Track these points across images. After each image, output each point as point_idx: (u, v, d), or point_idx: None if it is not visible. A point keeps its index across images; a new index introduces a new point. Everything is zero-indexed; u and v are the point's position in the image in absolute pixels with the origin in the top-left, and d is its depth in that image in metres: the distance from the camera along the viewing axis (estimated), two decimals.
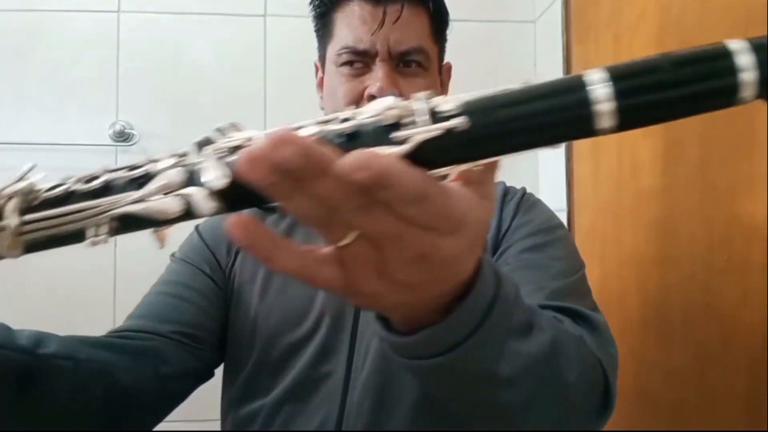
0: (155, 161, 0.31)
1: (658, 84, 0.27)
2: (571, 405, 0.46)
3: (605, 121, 0.26)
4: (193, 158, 0.30)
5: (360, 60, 0.67)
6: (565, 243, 0.68)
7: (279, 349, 0.66)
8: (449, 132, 0.26)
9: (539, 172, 1.38)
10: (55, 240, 0.30)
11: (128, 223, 0.29)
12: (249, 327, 0.68)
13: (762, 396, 0.67)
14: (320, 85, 0.76)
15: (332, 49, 0.70)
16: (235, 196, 0.28)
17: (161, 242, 0.30)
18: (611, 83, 0.26)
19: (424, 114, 0.27)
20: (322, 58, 0.74)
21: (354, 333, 0.66)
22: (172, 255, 0.73)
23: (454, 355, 0.34)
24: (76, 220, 0.29)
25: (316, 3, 0.73)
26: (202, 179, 0.28)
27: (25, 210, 0.30)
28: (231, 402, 0.70)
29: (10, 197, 0.30)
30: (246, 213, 0.27)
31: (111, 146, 1.35)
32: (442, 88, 0.75)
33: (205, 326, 0.66)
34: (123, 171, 0.31)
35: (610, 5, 1.10)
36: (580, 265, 0.65)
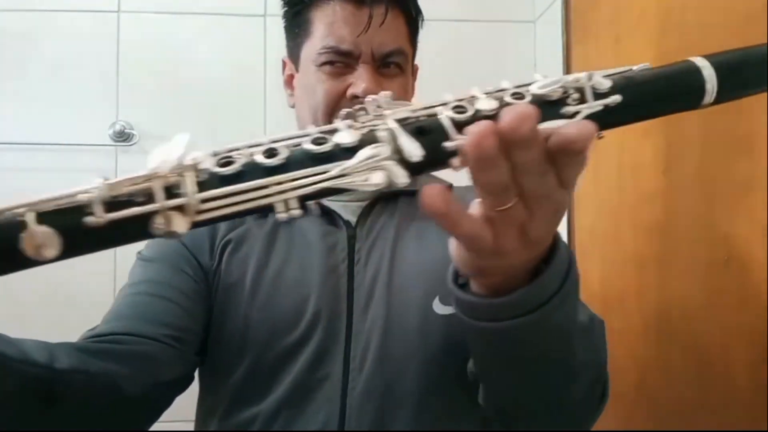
0: (328, 134, 0.31)
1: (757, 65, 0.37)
2: (598, 378, 0.52)
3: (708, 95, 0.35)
4: (345, 136, 0.31)
5: (342, 60, 0.67)
6: None
7: (274, 353, 0.65)
8: (605, 106, 0.33)
9: None
10: (233, 215, 0.29)
11: (317, 196, 0.30)
12: (239, 331, 0.65)
13: (762, 396, 0.67)
14: (290, 82, 0.76)
15: (310, 48, 0.69)
16: (417, 167, 0.30)
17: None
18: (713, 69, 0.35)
19: (589, 91, 0.33)
20: (295, 55, 0.73)
21: (349, 335, 0.65)
22: (139, 253, 0.70)
23: (546, 309, 0.38)
24: (262, 196, 0.29)
25: (291, 0, 0.72)
26: (405, 153, 0.30)
27: (199, 185, 0.28)
28: (213, 410, 0.67)
29: (181, 173, 0.28)
30: (437, 185, 0.31)
31: (111, 146, 1.35)
32: (411, 89, 0.76)
33: (190, 328, 0.63)
34: (294, 141, 0.31)
35: (610, 5, 1.10)
36: None
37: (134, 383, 0.53)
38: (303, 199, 0.29)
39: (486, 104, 0.32)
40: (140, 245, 0.71)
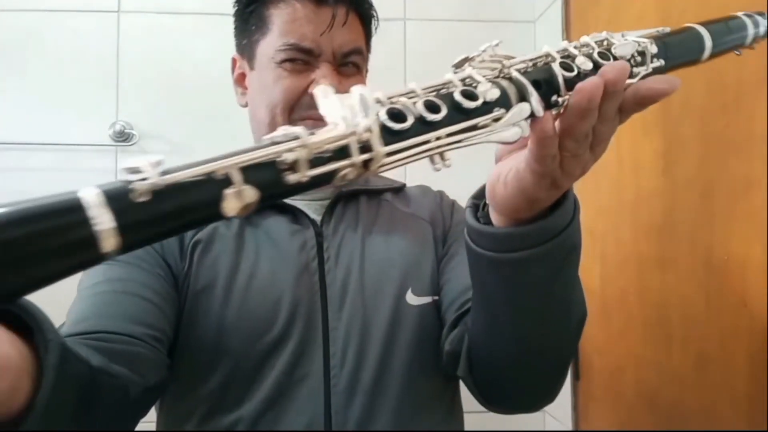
0: (472, 87, 0.34)
1: None
2: (581, 320, 0.55)
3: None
4: (489, 91, 0.33)
5: (302, 58, 0.67)
6: None
7: (252, 356, 0.63)
8: (653, 69, 0.41)
9: None
10: (401, 165, 0.31)
11: (461, 146, 0.32)
12: (213, 336, 0.64)
13: (762, 396, 0.67)
14: (241, 81, 0.75)
15: (268, 45, 0.68)
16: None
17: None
18: None
19: (649, 55, 0.41)
20: (248, 52, 0.71)
21: (326, 333, 0.65)
22: None
23: (568, 232, 0.45)
24: (426, 150, 0.31)
25: None
26: (534, 109, 0.34)
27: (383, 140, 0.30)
28: (187, 416, 0.65)
29: (368, 129, 0.29)
30: (588, 80, 0.36)
31: (111, 146, 1.34)
32: None
33: (165, 331, 0.61)
34: (443, 91, 0.33)
35: (609, 6, 1.10)
36: None
37: (136, 386, 0.51)
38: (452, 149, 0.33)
39: (584, 64, 0.38)
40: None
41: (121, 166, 0.25)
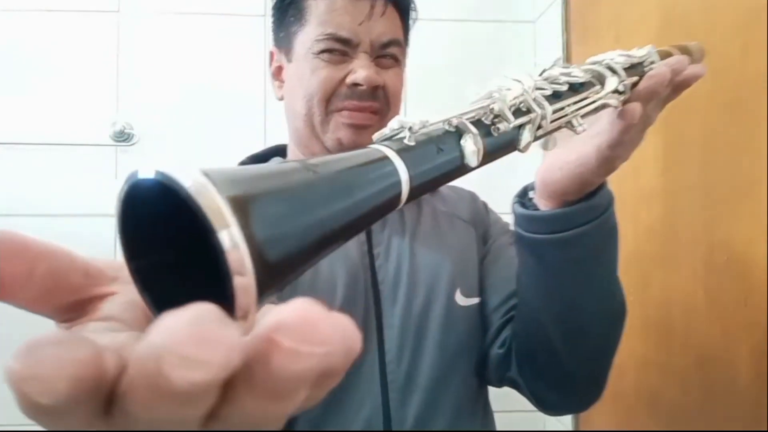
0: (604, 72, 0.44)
1: None
2: (623, 297, 0.62)
3: None
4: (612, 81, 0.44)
5: (340, 48, 0.67)
6: None
7: None
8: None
9: None
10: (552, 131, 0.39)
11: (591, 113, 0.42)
12: None
13: (763, 396, 0.67)
14: (278, 74, 0.75)
15: (306, 36, 0.68)
16: None
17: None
18: None
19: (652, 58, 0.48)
20: (286, 45, 0.72)
21: (380, 329, 0.66)
22: None
23: (611, 210, 0.53)
24: (576, 109, 0.40)
25: None
26: (618, 86, 0.44)
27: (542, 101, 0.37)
28: None
29: (537, 87, 0.37)
30: (657, 68, 0.46)
31: (111, 146, 1.34)
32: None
33: None
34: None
35: (610, 5, 1.10)
36: None
37: None
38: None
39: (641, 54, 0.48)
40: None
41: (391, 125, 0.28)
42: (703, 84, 0.79)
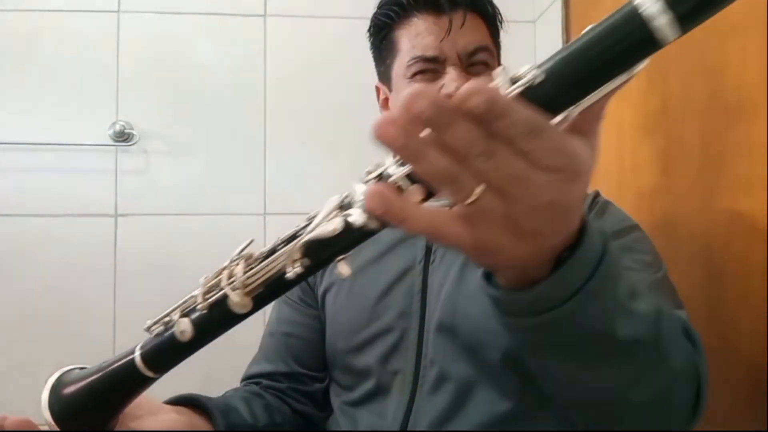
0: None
1: None
2: (671, 392, 0.45)
3: (667, 33, 0.30)
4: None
5: (430, 68, 0.70)
6: (641, 245, 0.66)
7: (343, 348, 0.72)
8: (531, 87, 0.30)
9: None
10: (271, 284, 0.38)
11: (313, 251, 0.37)
12: (328, 327, 0.76)
13: (762, 396, 0.67)
14: (385, 105, 0.78)
15: (400, 64, 0.72)
16: None
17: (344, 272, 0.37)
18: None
19: (506, 81, 0.30)
20: (386, 77, 0.76)
21: (421, 331, 0.67)
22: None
23: (569, 306, 0.34)
24: (278, 263, 0.37)
25: (378, 24, 0.75)
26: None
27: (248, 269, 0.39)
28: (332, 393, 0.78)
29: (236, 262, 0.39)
30: (381, 184, 0.30)
31: (111, 146, 1.34)
32: None
33: (319, 358, 0.78)
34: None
35: (610, 5, 1.09)
36: (658, 265, 0.64)
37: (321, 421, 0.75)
38: (306, 257, 0.39)
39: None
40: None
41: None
42: (703, 84, 0.79)
